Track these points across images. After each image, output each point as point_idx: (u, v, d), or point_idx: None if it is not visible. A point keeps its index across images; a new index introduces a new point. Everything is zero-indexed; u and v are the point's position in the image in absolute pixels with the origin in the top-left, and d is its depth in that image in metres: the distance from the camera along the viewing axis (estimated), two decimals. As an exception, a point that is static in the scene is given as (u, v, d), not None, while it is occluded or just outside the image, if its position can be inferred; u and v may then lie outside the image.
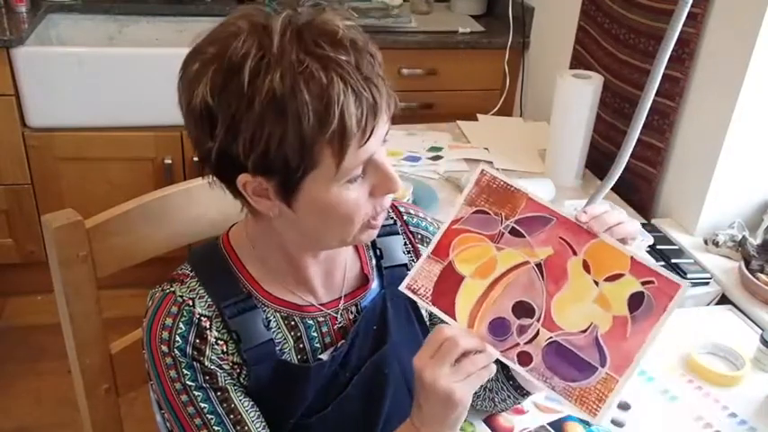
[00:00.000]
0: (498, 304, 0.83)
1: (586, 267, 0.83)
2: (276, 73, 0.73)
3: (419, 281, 0.85)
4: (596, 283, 0.82)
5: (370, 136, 0.77)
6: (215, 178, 0.84)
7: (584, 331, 0.81)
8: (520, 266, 0.84)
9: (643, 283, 0.81)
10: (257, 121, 0.74)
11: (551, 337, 0.81)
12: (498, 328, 0.82)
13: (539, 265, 0.83)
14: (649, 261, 0.83)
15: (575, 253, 0.83)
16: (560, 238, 0.84)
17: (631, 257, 0.82)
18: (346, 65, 0.74)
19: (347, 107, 0.73)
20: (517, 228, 0.85)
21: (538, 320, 0.82)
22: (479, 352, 0.80)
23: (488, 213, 0.87)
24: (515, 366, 0.81)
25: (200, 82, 0.76)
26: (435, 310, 0.84)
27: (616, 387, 0.78)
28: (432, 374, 0.78)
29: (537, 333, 0.81)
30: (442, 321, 0.83)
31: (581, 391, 0.79)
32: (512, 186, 0.87)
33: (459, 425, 0.83)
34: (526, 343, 0.81)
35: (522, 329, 0.82)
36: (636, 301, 0.81)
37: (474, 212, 0.87)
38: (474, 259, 0.85)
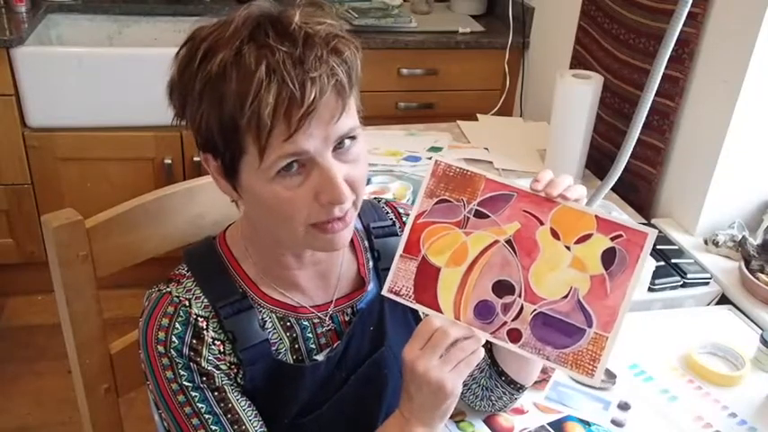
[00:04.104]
0: (478, 288, 0.84)
1: (555, 234, 0.84)
2: (218, 56, 0.74)
3: (398, 282, 0.86)
4: (568, 248, 0.83)
5: (296, 130, 0.74)
6: None
7: (566, 297, 0.82)
8: (491, 246, 0.85)
9: (612, 239, 0.82)
10: (197, 102, 0.77)
11: (536, 309, 0.82)
12: (483, 312, 0.83)
13: (509, 242, 0.84)
14: (614, 217, 0.84)
15: (541, 223, 0.84)
16: (524, 211, 0.85)
17: (596, 216, 0.84)
18: (282, 54, 0.73)
19: (265, 95, 0.72)
20: (481, 210, 0.86)
21: (519, 296, 0.83)
22: (468, 338, 0.81)
23: (450, 201, 0.87)
24: (507, 345, 0.82)
25: (175, 58, 0.80)
26: (420, 308, 0.85)
27: (607, 344, 0.80)
28: (424, 366, 0.79)
29: (521, 308, 0.82)
30: None
31: (574, 356, 0.80)
32: (468, 171, 0.88)
33: (449, 414, 0.84)
34: (513, 320, 0.82)
35: (506, 308, 0.83)
36: (609, 257, 0.82)
37: (436, 203, 0.87)
38: (446, 248, 0.85)
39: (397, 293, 0.85)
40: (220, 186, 0.85)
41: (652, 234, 0.82)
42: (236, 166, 0.79)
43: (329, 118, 0.76)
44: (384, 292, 0.86)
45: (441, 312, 0.83)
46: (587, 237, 0.83)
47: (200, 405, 0.86)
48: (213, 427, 0.86)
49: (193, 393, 0.86)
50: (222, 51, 0.74)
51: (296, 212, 0.80)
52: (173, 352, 0.85)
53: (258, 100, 0.72)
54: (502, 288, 0.83)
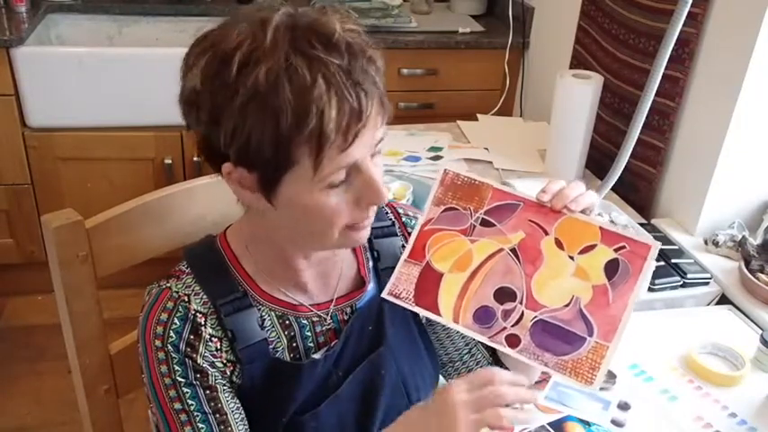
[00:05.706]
0: (480, 294, 0.84)
1: (559, 244, 0.84)
2: (262, 68, 0.73)
3: (400, 285, 0.86)
4: (571, 258, 0.84)
5: (352, 142, 0.75)
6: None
7: (567, 305, 0.82)
8: (495, 254, 0.85)
9: (616, 250, 0.83)
10: (239, 114, 0.74)
11: (536, 317, 0.82)
12: (483, 317, 0.83)
13: (513, 250, 0.85)
14: (618, 228, 0.85)
15: (546, 233, 0.85)
16: (530, 220, 0.86)
17: (600, 227, 0.84)
18: (335, 67, 0.73)
19: (327, 110, 0.72)
20: (487, 218, 0.87)
21: (520, 303, 0.83)
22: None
23: (457, 209, 0.88)
24: (505, 349, 0.82)
25: (193, 69, 0.77)
26: (419, 311, 0.85)
27: (607, 353, 0.79)
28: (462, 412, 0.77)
29: (522, 315, 0.82)
30: (439, 322, 0.82)
31: (574, 363, 0.80)
32: (476, 180, 0.89)
33: None
34: (512, 326, 0.82)
35: (506, 314, 0.82)
36: (612, 268, 0.82)
37: (443, 211, 0.88)
38: (450, 255, 0.86)
39: (397, 296, 0.85)
40: (242, 197, 0.83)
41: (655, 246, 0.82)
42: (280, 178, 0.78)
43: (374, 127, 0.78)
44: (384, 295, 0.86)
45: (440, 316, 0.83)
46: (591, 247, 0.84)
47: (189, 402, 0.86)
48: (200, 425, 0.86)
49: (185, 390, 0.86)
50: (266, 62, 0.72)
51: (339, 218, 0.81)
52: (169, 347, 0.85)
53: (320, 114, 0.72)
54: (503, 295, 0.83)
